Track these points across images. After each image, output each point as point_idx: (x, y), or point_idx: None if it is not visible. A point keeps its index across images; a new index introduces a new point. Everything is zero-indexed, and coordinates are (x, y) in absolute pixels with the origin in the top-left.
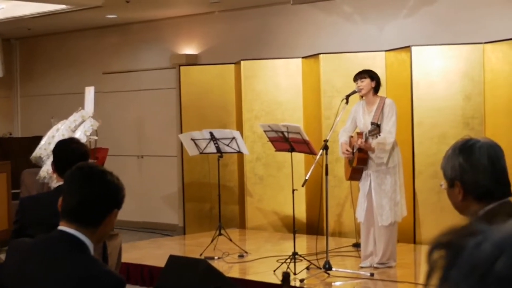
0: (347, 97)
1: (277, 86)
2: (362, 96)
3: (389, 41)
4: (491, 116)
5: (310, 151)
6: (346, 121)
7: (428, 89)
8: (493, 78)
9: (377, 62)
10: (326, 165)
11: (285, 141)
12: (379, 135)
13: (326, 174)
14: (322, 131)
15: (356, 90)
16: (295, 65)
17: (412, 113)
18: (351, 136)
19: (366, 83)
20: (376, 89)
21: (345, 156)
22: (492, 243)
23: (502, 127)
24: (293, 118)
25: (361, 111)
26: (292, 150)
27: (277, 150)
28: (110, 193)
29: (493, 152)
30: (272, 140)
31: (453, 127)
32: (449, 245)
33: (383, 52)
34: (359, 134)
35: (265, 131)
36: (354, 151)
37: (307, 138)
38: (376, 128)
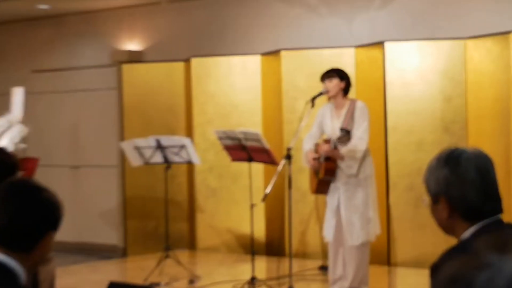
0: (313, 99)
1: (232, 86)
2: (329, 98)
3: (360, 36)
4: (474, 120)
5: (270, 161)
6: (312, 127)
7: (404, 90)
8: (476, 78)
9: (346, 60)
10: (289, 177)
11: (242, 149)
12: (349, 142)
13: (289, 187)
14: (284, 137)
15: (323, 91)
16: (253, 62)
17: (386, 117)
18: (317, 144)
19: (334, 83)
20: (345, 90)
21: (310, 166)
22: (505, 278)
23: (486, 133)
24: (251, 123)
25: (329, 115)
26: (250, 159)
27: (233, 159)
28: (46, 213)
29: (482, 163)
30: (227, 148)
31: (431, 133)
32: (457, 280)
33: (353, 49)
34: (327, 141)
35: (219, 138)
36: (321, 160)
37: (267, 146)
38: (346, 134)
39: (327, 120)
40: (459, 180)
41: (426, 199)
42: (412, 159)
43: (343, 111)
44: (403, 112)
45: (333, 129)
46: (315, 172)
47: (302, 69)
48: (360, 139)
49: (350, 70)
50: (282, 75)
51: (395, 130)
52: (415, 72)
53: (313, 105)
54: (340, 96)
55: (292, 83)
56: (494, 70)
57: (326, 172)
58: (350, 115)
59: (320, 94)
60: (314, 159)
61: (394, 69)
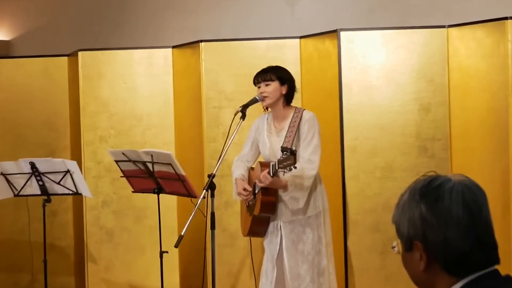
0: (244, 108)
1: (135, 91)
2: (266, 108)
3: (306, 23)
4: (460, 137)
5: (186, 192)
6: (244, 146)
7: (365, 95)
8: (462, 79)
9: (288, 55)
10: (212, 214)
11: (148, 176)
12: (294, 167)
13: (212, 227)
14: (206, 160)
15: (258, 98)
16: (163, 58)
17: (342, 132)
18: (251, 169)
19: (273, 87)
20: (288, 97)
21: (242, 199)
22: None
23: (476, 154)
24: (160, 140)
25: (266, 130)
26: (159, 190)
27: (136, 190)
28: None
29: (472, 197)
30: (128, 175)
31: (404, 154)
32: None
33: (297, 40)
34: (264, 166)
35: (116, 161)
36: (256, 191)
37: (182, 171)
38: (290, 156)
39: (264, 137)
40: (440, 220)
41: (397, 244)
42: (377, 189)
43: (285, 125)
44: (364, 125)
45: (272, 149)
46: (248, 207)
47: (230, 67)
48: (309, 162)
49: (293, 69)
50: (202, 75)
51: (355, 150)
52: (381, 72)
53: (244, 117)
54: (281, 105)
55: (216, 87)
56: (487, 69)
57: (263, 207)
58: (295, 130)
59: (254, 101)
60: (247, 190)
61: (353, 67)
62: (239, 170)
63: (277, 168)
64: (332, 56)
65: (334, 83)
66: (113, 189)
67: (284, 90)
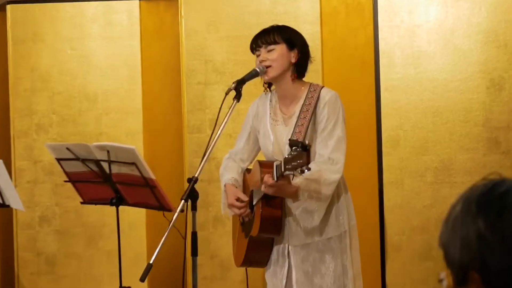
0: (239, 84)
1: (86, 60)
2: (269, 86)
3: None
4: None
5: (157, 203)
6: (237, 138)
7: (412, 67)
8: None
9: (303, 9)
10: (194, 234)
11: (103, 181)
12: (307, 168)
13: (194, 253)
14: (186, 158)
15: (258, 70)
16: (127, 14)
17: (379, 119)
18: (248, 171)
19: (278, 53)
20: (299, 67)
21: (234, 213)
22: None
23: None
24: (122, 130)
25: (269, 116)
26: (119, 201)
27: (87, 201)
28: None
29: None
30: (74, 179)
31: (467, 150)
32: None
33: None
34: (265, 166)
35: (58, 160)
36: (254, 202)
37: (151, 174)
38: (301, 153)
39: (266, 126)
40: (506, 241)
41: (445, 277)
42: (428, 199)
43: (296, 109)
44: (411, 109)
45: (277, 144)
46: (242, 225)
47: (221, 27)
48: (329, 162)
49: (311, 30)
50: (182, 38)
51: (397, 144)
52: (434, 33)
53: (239, 97)
54: (289, 78)
55: (201, 55)
56: None
57: (263, 224)
58: (309, 116)
59: (253, 75)
60: (241, 200)
61: (394, 27)
62: (230, 173)
63: (283, 169)
64: (365, 12)
65: (367, 50)
66: (56, 199)
67: (293, 57)
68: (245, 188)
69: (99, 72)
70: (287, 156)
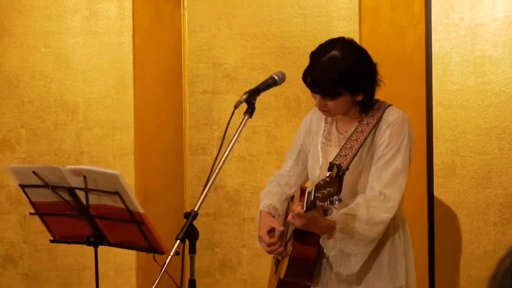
0: (251, 96)
1: (65, 60)
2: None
3: None
4: None
5: (146, 244)
6: (286, 157)
7: (474, 75)
8: None
9: (336, 1)
10: (192, 282)
11: (79, 213)
12: (337, 199)
13: None
14: (187, 186)
15: (277, 78)
16: (116, 5)
17: (430, 141)
18: (292, 198)
19: (341, 102)
20: (365, 103)
21: (263, 248)
22: None
23: None
24: (108, 149)
25: (322, 135)
26: (97, 240)
27: (58, 238)
28: None
29: None
30: (43, 211)
31: None
32: None
33: None
34: (302, 194)
35: (22, 187)
36: (288, 237)
37: (139, 207)
38: (333, 178)
39: (317, 146)
40: None
41: None
42: (491, 244)
43: (354, 125)
44: (471, 129)
45: (326, 168)
46: (277, 264)
47: (233, 22)
48: (380, 198)
49: (347, 26)
50: (184, 36)
51: (452, 173)
52: (502, 34)
53: (251, 111)
54: (352, 110)
55: (208, 56)
56: None
57: (292, 265)
58: (364, 137)
59: (269, 84)
60: (269, 232)
61: (452, 26)
62: (269, 199)
63: (312, 198)
64: (415, 6)
65: (417, 54)
66: (24, 235)
67: (359, 97)
68: (286, 220)
69: (80, 76)
70: (319, 182)
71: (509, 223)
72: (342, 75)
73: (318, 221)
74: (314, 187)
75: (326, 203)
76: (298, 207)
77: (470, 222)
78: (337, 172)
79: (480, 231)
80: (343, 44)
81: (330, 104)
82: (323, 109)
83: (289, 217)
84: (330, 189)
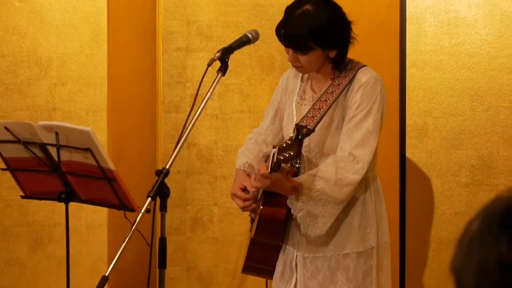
0: (224, 53)
1: (38, 14)
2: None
3: None
4: None
5: (118, 201)
6: (264, 114)
7: (447, 35)
8: None
9: None
10: (163, 240)
11: (50, 170)
12: (296, 163)
13: (162, 264)
14: (160, 144)
15: (250, 36)
16: None
17: (403, 103)
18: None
19: (312, 57)
20: (338, 60)
21: (237, 205)
22: None
23: None
24: (81, 105)
25: (297, 93)
26: (69, 196)
27: (29, 194)
28: None
29: None
30: (14, 167)
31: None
32: None
33: None
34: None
35: None
36: (259, 196)
37: (110, 164)
38: (294, 141)
39: (291, 105)
40: None
41: None
42: (462, 206)
43: (326, 85)
44: (444, 90)
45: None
46: (251, 222)
47: None
48: (349, 159)
49: None
50: None
51: (425, 134)
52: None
53: (224, 69)
54: (325, 67)
55: (182, 13)
56: None
57: (260, 225)
58: (335, 96)
59: (244, 42)
60: (243, 189)
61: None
62: (245, 157)
63: (275, 160)
64: None
65: (391, 14)
66: None
67: (331, 53)
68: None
69: (54, 31)
70: (282, 144)
71: (480, 184)
72: (313, 29)
73: (283, 183)
74: (277, 148)
75: (287, 165)
76: (263, 168)
77: (441, 183)
78: (296, 135)
79: (451, 192)
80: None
81: (302, 59)
82: (296, 64)
83: (252, 178)
84: (290, 152)
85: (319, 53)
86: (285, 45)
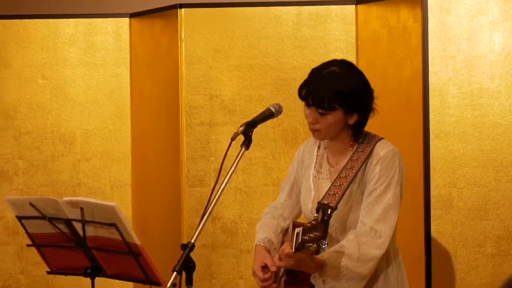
0: (248, 127)
1: (62, 92)
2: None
3: None
4: None
5: (143, 276)
6: (280, 188)
7: (470, 107)
8: None
9: (334, 32)
10: None
11: (76, 245)
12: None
13: None
14: (185, 218)
15: (273, 109)
16: (113, 35)
17: (427, 174)
18: (287, 232)
19: (332, 120)
20: (357, 128)
21: (261, 286)
22: None
23: None
24: (105, 181)
25: (314, 167)
26: (95, 271)
27: (55, 270)
28: None
29: None
30: (40, 243)
31: None
32: None
33: (351, 6)
34: (294, 231)
35: (19, 218)
36: (281, 274)
37: (135, 239)
38: (319, 223)
39: (309, 179)
40: None
41: None
42: (487, 276)
43: (345, 158)
44: (468, 161)
45: (319, 198)
46: None
47: (231, 53)
48: (371, 234)
49: (345, 49)
50: (181, 67)
51: (450, 206)
52: (499, 65)
53: (248, 143)
54: (345, 137)
55: (205, 88)
56: None
57: None
58: (352, 174)
59: (266, 116)
60: (264, 268)
61: (449, 58)
62: (264, 232)
63: (300, 240)
64: (412, 38)
65: (414, 86)
66: (22, 266)
67: (351, 120)
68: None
69: (77, 107)
70: (307, 224)
71: (506, 255)
72: (339, 89)
73: (306, 262)
74: (302, 229)
75: (313, 246)
76: (287, 247)
77: (467, 254)
78: (322, 217)
79: (477, 263)
80: (344, 64)
81: (322, 120)
82: (314, 127)
83: (276, 257)
84: (317, 233)
85: (340, 116)
86: (307, 104)
